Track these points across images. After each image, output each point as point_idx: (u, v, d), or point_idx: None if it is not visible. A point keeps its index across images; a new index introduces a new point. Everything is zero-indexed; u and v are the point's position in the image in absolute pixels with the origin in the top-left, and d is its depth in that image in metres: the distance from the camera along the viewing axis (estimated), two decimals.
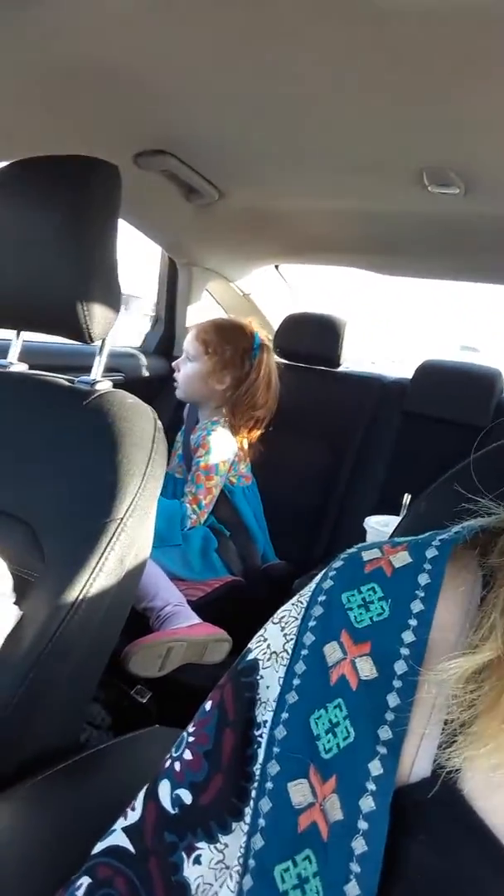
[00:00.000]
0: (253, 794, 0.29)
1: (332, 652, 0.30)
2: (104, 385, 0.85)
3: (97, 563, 0.71)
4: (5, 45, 0.82)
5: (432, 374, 1.61)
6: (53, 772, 0.66)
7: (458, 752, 0.26)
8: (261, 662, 0.32)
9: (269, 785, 0.28)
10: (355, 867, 0.25)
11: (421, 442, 1.58)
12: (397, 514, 1.28)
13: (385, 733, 0.27)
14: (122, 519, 0.73)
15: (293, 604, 0.34)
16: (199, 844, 0.29)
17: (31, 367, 0.94)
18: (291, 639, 0.32)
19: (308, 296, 2.15)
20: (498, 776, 0.26)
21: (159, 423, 0.81)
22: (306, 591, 0.34)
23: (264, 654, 0.33)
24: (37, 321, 0.85)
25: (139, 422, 0.78)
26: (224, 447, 1.46)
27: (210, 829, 0.29)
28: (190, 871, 0.29)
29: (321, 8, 0.70)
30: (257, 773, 0.29)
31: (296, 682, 0.30)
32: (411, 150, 1.03)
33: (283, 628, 0.33)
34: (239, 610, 1.29)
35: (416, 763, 0.27)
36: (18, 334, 0.94)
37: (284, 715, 0.30)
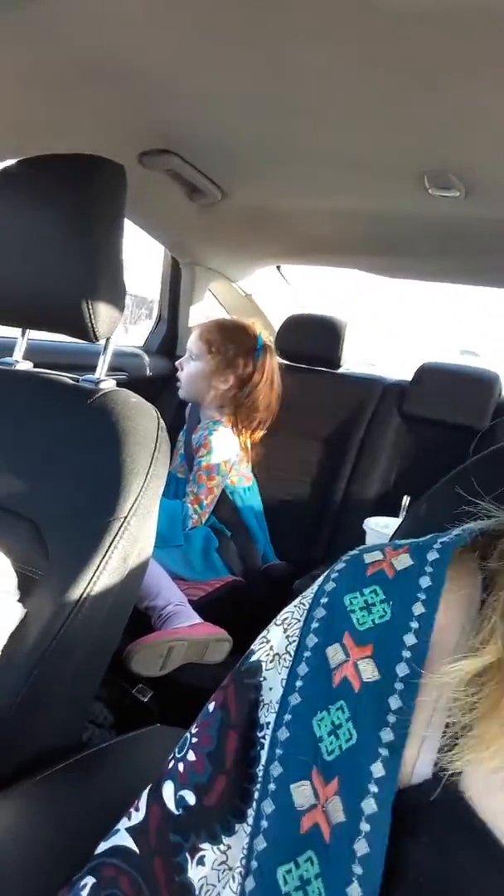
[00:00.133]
0: (256, 795, 0.29)
1: (334, 654, 0.30)
2: (108, 384, 0.85)
3: (101, 561, 0.72)
4: (11, 45, 0.82)
5: (432, 377, 1.61)
6: (56, 770, 0.66)
7: (460, 754, 0.26)
8: (264, 664, 0.32)
9: (271, 786, 0.28)
10: (357, 869, 0.25)
11: (420, 444, 1.58)
12: (396, 516, 1.29)
13: (387, 735, 0.27)
14: (125, 517, 0.73)
15: (296, 605, 0.34)
16: (203, 845, 0.29)
17: (35, 366, 0.94)
18: (294, 640, 0.32)
19: (309, 297, 2.15)
20: (499, 778, 0.26)
21: (163, 422, 0.81)
22: (309, 593, 0.34)
23: (267, 655, 0.33)
24: (42, 319, 0.85)
25: (143, 421, 0.79)
26: (226, 447, 1.46)
27: (213, 830, 0.29)
28: (194, 872, 0.29)
29: (324, 10, 0.70)
30: (260, 774, 0.29)
31: (298, 683, 0.30)
32: (412, 153, 1.03)
33: (285, 630, 0.33)
34: (239, 610, 1.30)
35: (418, 765, 0.27)
36: (24, 332, 0.94)
37: (287, 717, 0.30)
